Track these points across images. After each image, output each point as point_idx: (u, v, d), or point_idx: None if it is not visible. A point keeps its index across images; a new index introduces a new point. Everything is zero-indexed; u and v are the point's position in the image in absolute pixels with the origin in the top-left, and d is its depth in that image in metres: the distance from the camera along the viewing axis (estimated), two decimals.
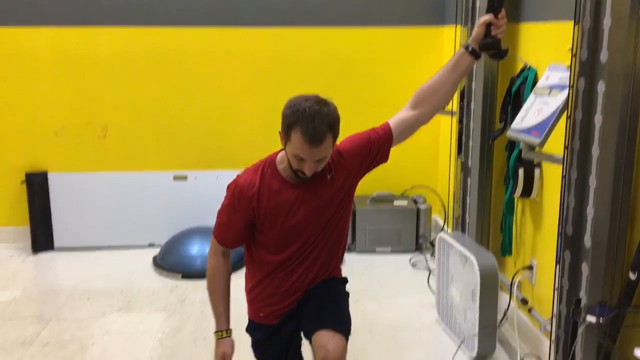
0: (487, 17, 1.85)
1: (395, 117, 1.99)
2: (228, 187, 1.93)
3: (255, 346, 2.09)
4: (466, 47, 1.91)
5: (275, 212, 1.88)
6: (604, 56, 1.83)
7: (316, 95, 1.78)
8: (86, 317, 3.08)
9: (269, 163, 1.93)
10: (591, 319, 1.56)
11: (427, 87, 1.96)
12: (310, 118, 1.69)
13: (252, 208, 1.88)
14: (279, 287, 1.98)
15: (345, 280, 2.11)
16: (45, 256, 3.96)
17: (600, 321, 1.55)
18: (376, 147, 1.96)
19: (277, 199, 1.88)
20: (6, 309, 3.16)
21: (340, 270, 2.11)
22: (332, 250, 2.00)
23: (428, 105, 1.97)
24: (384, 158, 2.01)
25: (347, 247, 3.73)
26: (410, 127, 1.99)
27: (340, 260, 2.09)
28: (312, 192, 1.89)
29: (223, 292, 1.97)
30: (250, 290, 2.06)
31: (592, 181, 1.90)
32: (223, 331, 1.95)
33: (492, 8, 1.85)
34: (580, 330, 1.84)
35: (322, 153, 1.74)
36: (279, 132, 1.82)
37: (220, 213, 1.97)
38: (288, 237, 1.92)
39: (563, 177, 2.00)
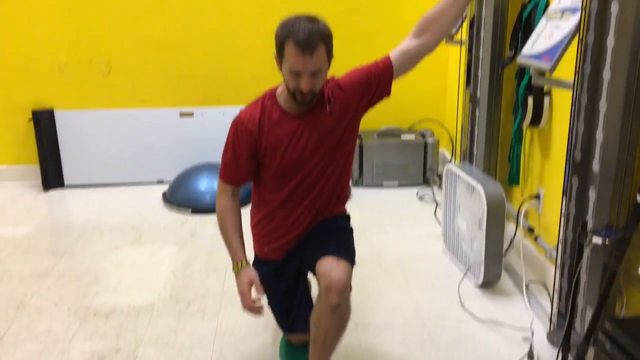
0: None
1: (398, 49, 1.96)
2: (230, 125, 1.93)
3: (263, 282, 2.14)
4: None
5: (276, 144, 1.89)
6: None
7: (307, 14, 1.77)
8: (99, 250, 3.14)
9: (269, 96, 1.92)
10: (597, 240, 1.58)
11: (431, 15, 1.93)
12: (301, 30, 1.70)
13: (254, 140, 1.89)
14: (282, 223, 2.00)
15: (348, 217, 2.12)
16: (56, 193, 4.01)
17: (607, 242, 1.56)
18: (376, 80, 1.94)
19: (278, 130, 1.88)
20: (21, 244, 3.22)
21: (343, 208, 2.12)
22: (334, 187, 2.01)
23: (432, 34, 1.93)
24: (386, 92, 1.98)
25: (354, 181, 3.75)
26: (413, 57, 1.96)
27: (343, 197, 2.09)
28: (312, 123, 1.89)
29: (235, 227, 1.98)
30: (254, 226, 2.09)
31: (602, 105, 1.88)
32: (241, 262, 1.95)
33: None
34: (586, 252, 1.87)
35: (317, 64, 1.73)
36: (274, 56, 1.81)
37: (225, 152, 1.97)
38: (289, 171, 1.92)
39: (573, 102, 1.98)
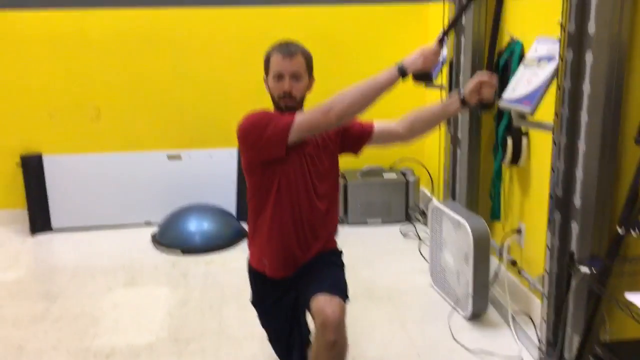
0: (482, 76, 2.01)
1: (381, 123, 2.17)
2: (257, 113, 2.03)
3: (261, 317, 2.20)
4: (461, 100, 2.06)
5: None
6: (591, 28, 1.96)
7: None
8: (93, 292, 3.16)
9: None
10: (584, 269, 1.71)
11: (418, 115, 2.13)
12: (283, 43, 2.03)
13: None
14: (286, 235, 2.03)
15: (340, 253, 2.21)
16: (43, 237, 4.01)
17: (593, 271, 1.69)
18: (355, 133, 2.13)
19: None
20: (13, 288, 3.22)
21: (335, 241, 2.21)
22: (331, 208, 2.12)
23: (411, 132, 2.15)
24: (355, 149, 2.18)
25: (339, 219, 3.84)
26: (388, 139, 2.18)
27: (335, 229, 2.20)
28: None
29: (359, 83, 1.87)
30: (253, 239, 2.12)
31: (581, 145, 2.05)
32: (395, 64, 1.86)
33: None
34: (574, 282, 2.00)
35: (296, 66, 1.99)
36: (263, 80, 2.07)
37: (264, 122, 1.98)
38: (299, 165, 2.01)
39: (553, 142, 2.15)
